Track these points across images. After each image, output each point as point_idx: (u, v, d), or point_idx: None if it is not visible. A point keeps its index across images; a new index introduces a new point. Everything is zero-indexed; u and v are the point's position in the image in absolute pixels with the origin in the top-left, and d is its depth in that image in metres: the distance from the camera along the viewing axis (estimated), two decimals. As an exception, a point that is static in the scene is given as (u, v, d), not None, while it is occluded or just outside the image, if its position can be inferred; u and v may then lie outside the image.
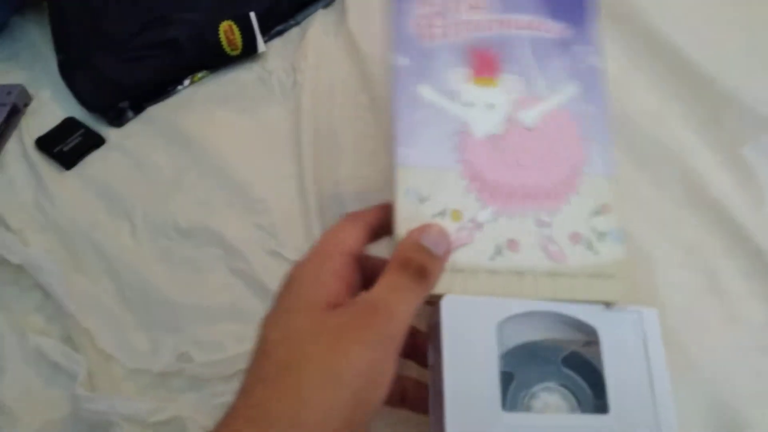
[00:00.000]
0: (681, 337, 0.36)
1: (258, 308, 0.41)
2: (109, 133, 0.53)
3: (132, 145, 0.52)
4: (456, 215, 0.28)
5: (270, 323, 0.25)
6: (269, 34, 0.57)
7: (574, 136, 0.29)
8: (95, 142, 0.53)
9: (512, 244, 0.27)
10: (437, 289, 0.27)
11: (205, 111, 0.53)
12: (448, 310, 0.26)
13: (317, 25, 0.57)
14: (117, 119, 0.54)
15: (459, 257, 0.27)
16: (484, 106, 0.29)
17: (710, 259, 0.38)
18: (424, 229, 0.27)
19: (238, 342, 0.40)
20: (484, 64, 0.30)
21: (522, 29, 0.30)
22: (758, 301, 0.37)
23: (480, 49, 0.30)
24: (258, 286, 0.42)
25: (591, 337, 0.27)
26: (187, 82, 0.55)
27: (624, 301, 0.27)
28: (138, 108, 0.54)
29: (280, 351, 0.24)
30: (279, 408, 0.22)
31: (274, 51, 0.56)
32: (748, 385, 0.34)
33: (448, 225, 0.27)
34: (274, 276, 0.42)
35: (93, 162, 0.51)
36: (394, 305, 0.25)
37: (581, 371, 0.27)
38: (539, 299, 0.27)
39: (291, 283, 0.26)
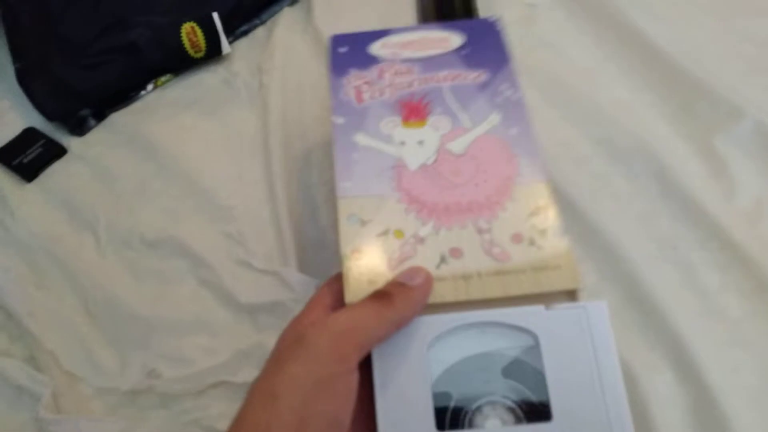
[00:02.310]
0: (657, 331, 0.36)
1: (227, 319, 0.40)
2: (71, 142, 0.52)
3: (95, 154, 0.50)
4: (398, 233, 0.30)
5: None
6: (234, 34, 0.56)
7: (503, 154, 0.32)
8: (56, 152, 0.51)
9: (455, 252, 0.29)
10: None
11: (169, 116, 0.51)
12: None
13: (283, 23, 0.55)
14: (78, 128, 0.52)
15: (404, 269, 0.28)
16: (416, 143, 0.33)
17: (685, 252, 0.38)
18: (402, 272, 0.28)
19: (207, 355, 0.39)
20: (412, 111, 0.34)
21: (443, 82, 0.35)
22: (733, 294, 0.36)
23: (407, 101, 0.34)
24: (227, 297, 0.40)
25: (532, 342, 0.27)
26: (150, 86, 0.54)
27: (564, 298, 0.28)
28: (100, 115, 0.53)
29: None
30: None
31: (239, 52, 0.55)
32: (726, 380, 0.34)
33: (392, 242, 0.29)
34: (243, 286, 0.40)
35: (54, 173, 0.50)
36: (343, 322, 0.25)
37: (525, 379, 0.27)
38: (489, 298, 0.27)
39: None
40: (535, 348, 0.26)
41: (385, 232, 0.29)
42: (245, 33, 0.56)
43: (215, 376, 0.37)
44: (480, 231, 0.29)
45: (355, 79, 0.35)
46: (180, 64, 0.54)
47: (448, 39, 0.37)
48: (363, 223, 0.30)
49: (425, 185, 0.31)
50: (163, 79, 0.54)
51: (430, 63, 0.36)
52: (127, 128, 0.51)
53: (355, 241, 0.29)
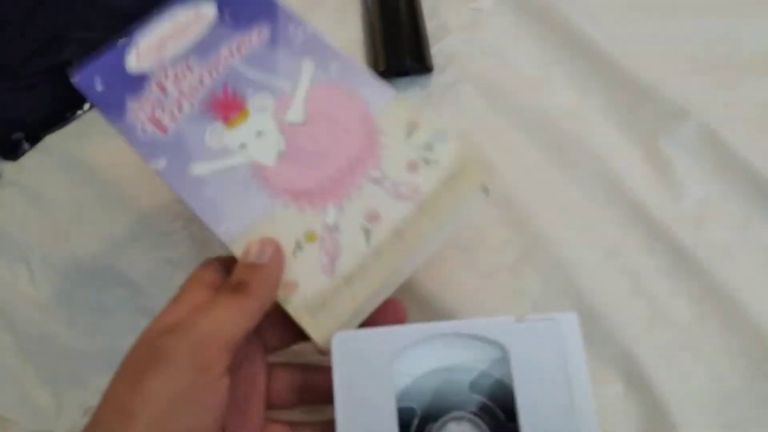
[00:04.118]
0: (606, 341, 0.35)
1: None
2: (4, 168, 0.49)
3: (29, 180, 0.48)
4: (310, 236, 0.27)
5: None
6: (174, 48, 0.54)
7: (343, 97, 0.29)
8: (-12, 179, 0.49)
9: (372, 217, 0.27)
10: (338, 312, 0.26)
11: (107, 136, 0.48)
12: (339, 348, 0.25)
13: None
14: (11, 152, 0.50)
15: (343, 266, 0.27)
16: (256, 137, 0.29)
17: (632, 259, 0.37)
18: (246, 249, 0.26)
19: (148, 390, 0.37)
20: (227, 106, 0.30)
21: (231, 59, 0.31)
22: (682, 299, 0.36)
23: (214, 98, 0.30)
24: (168, 327, 0.39)
25: (501, 354, 0.26)
26: (86, 106, 0.52)
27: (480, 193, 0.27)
28: (34, 138, 0.50)
29: None
30: None
31: (180, 67, 0.53)
32: (676, 387, 0.33)
33: (311, 248, 0.27)
34: (184, 315, 0.39)
35: (-14, 202, 0.47)
36: (203, 328, 0.23)
37: (492, 394, 0.26)
38: (433, 238, 0.27)
39: None
40: (502, 361, 0.25)
41: (298, 245, 0.27)
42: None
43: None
44: (376, 181, 0.27)
45: (138, 110, 0.31)
46: (117, 81, 0.51)
47: (201, 14, 0.32)
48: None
49: (296, 172, 0.28)
50: (100, 97, 0.52)
51: (201, 48, 0.31)
52: (64, 151, 0.49)
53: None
